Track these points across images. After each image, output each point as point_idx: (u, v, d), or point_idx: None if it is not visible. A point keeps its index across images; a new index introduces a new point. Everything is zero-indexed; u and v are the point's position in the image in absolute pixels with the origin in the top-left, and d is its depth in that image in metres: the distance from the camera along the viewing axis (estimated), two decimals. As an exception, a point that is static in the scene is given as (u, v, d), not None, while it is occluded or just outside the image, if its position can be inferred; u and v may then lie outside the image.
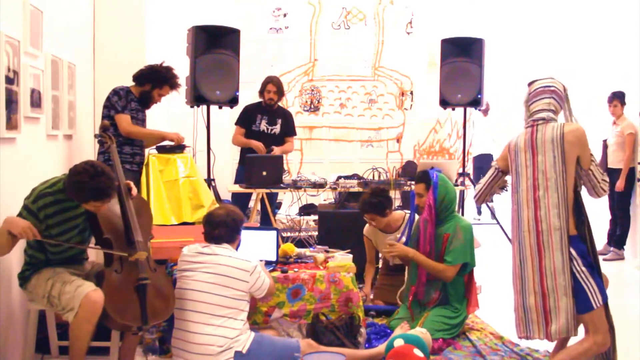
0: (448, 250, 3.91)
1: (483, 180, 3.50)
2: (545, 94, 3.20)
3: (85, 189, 2.92)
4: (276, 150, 5.68)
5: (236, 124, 5.92)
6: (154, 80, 4.50)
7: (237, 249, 3.38)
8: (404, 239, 4.11)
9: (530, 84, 3.31)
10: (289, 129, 6.01)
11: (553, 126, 3.12)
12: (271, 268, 3.78)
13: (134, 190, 3.37)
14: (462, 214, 7.09)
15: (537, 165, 3.13)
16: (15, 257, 3.29)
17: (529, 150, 3.17)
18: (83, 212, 3.15)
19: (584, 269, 3.04)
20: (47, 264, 3.13)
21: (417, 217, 4.18)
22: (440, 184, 3.95)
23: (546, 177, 3.09)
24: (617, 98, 6.56)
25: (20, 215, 3.01)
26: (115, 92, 4.44)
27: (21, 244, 3.30)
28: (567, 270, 3.04)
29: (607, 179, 3.17)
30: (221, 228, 3.29)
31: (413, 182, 4.63)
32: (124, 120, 4.38)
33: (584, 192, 3.22)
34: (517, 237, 3.23)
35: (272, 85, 5.79)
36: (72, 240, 3.15)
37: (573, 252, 3.06)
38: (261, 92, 5.85)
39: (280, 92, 5.84)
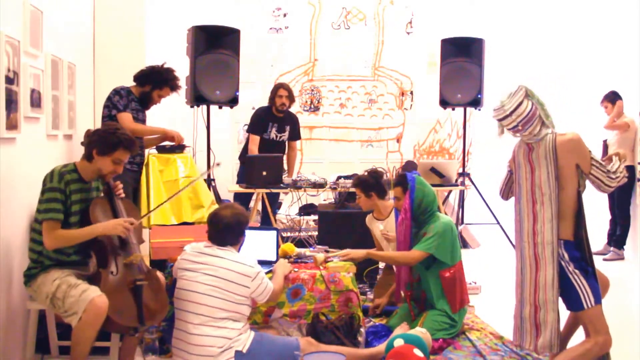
0: (420, 241, 3.88)
1: (501, 180, 3.54)
2: (518, 132, 3.19)
3: (119, 134, 3.16)
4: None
5: (251, 132, 5.91)
6: (155, 81, 4.50)
7: (240, 248, 3.38)
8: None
9: (496, 118, 3.26)
10: (295, 134, 6.03)
11: (546, 140, 3.13)
12: (271, 268, 3.77)
13: (121, 192, 3.38)
14: (463, 214, 7.12)
15: (534, 180, 3.17)
16: (17, 257, 3.29)
17: (527, 164, 3.21)
18: (90, 197, 3.24)
19: (576, 270, 3.10)
20: (56, 264, 3.13)
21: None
22: (417, 188, 3.93)
23: (542, 192, 3.14)
24: (606, 99, 6.58)
25: (45, 201, 3.04)
26: (116, 91, 4.44)
27: (23, 243, 3.30)
28: (556, 286, 3.11)
29: (616, 171, 3.13)
30: (225, 231, 3.29)
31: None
32: (126, 119, 4.38)
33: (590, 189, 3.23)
34: (519, 246, 3.30)
35: (284, 90, 5.81)
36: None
37: (566, 256, 3.11)
38: (272, 98, 5.85)
39: (291, 98, 5.86)
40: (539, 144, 3.14)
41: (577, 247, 3.13)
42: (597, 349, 3.10)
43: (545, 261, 3.13)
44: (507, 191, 3.51)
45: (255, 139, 5.83)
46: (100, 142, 3.14)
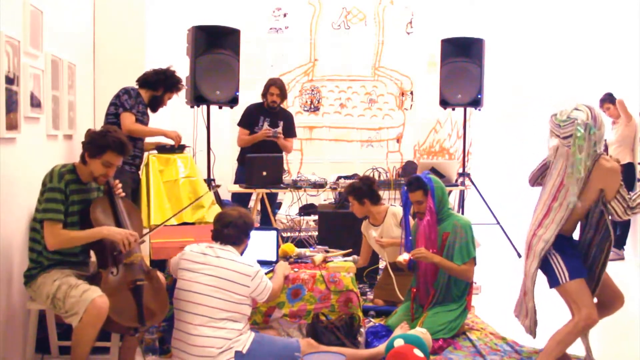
0: (455, 251, 3.91)
1: (536, 166, 3.58)
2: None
3: (109, 136, 3.16)
4: (280, 138, 5.72)
5: (239, 125, 5.92)
6: (168, 85, 4.59)
7: (242, 253, 3.38)
8: (405, 254, 4.06)
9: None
10: (289, 131, 6.01)
11: (588, 156, 3.19)
12: (271, 268, 3.78)
13: (121, 192, 3.38)
14: (463, 214, 7.10)
15: (564, 181, 3.25)
16: (17, 257, 3.29)
17: (564, 163, 3.28)
18: (90, 198, 3.25)
19: (553, 250, 3.26)
20: (56, 264, 3.13)
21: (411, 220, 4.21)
22: (436, 187, 3.99)
23: (565, 195, 3.24)
24: (606, 101, 6.59)
25: (45, 200, 3.05)
26: (126, 90, 4.46)
27: (23, 243, 3.30)
28: (534, 278, 3.33)
29: (635, 207, 3.21)
30: (231, 228, 3.30)
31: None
32: (128, 119, 4.38)
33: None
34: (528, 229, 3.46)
35: (275, 88, 5.79)
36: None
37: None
38: (264, 95, 5.85)
39: (283, 95, 5.85)
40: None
41: (562, 236, 3.29)
42: (583, 323, 3.20)
43: (534, 253, 3.31)
44: (537, 178, 3.55)
45: (244, 132, 5.84)
46: (90, 144, 3.17)
